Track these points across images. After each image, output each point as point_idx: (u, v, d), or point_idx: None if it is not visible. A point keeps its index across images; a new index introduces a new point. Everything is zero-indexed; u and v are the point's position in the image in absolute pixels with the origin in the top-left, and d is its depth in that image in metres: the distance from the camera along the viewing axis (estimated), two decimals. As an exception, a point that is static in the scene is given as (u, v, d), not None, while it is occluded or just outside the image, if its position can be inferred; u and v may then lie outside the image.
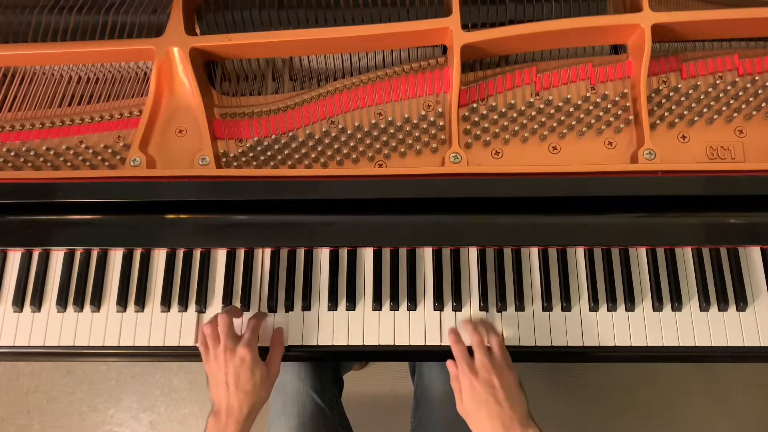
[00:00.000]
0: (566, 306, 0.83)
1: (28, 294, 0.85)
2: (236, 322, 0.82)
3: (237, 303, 0.85)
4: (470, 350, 0.78)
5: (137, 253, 0.87)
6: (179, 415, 1.59)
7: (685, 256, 0.85)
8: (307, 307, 0.84)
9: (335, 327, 0.83)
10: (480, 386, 0.72)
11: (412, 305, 0.83)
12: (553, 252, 0.85)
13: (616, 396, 1.57)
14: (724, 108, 0.87)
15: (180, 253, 0.87)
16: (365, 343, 0.83)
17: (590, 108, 0.87)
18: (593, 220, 0.84)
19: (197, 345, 0.82)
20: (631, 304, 0.82)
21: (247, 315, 0.84)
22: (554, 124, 0.87)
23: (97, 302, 0.85)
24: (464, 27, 0.85)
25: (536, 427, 0.72)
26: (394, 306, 0.84)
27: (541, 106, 0.87)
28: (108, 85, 0.93)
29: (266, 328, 0.83)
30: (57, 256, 0.87)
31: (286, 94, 0.91)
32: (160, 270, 0.86)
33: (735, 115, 0.86)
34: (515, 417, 0.70)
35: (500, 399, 0.71)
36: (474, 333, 0.78)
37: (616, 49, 0.91)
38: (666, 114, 0.87)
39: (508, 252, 0.86)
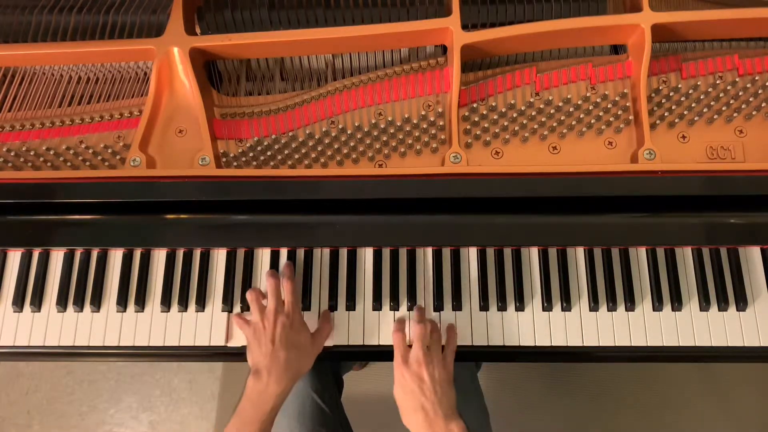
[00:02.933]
0: (566, 306, 0.83)
1: (28, 294, 0.85)
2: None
3: (237, 303, 0.85)
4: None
5: (137, 253, 0.87)
6: (179, 415, 1.59)
7: (685, 256, 0.85)
8: (307, 307, 0.84)
9: (335, 327, 0.83)
10: (409, 377, 0.74)
11: (412, 305, 0.83)
12: (553, 252, 0.85)
13: (616, 396, 1.57)
14: (724, 108, 0.87)
15: (180, 253, 0.87)
16: (365, 343, 0.83)
17: (590, 108, 0.87)
18: (593, 220, 0.84)
19: (199, 345, 0.82)
20: (631, 304, 0.82)
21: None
22: (554, 124, 0.87)
23: (97, 302, 0.85)
24: (464, 27, 0.85)
25: (460, 421, 0.73)
26: (394, 306, 0.84)
27: (541, 106, 0.87)
28: (108, 85, 0.93)
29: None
30: (57, 256, 0.87)
31: (286, 94, 0.91)
32: (160, 270, 0.86)
33: (735, 115, 0.86)
34: (440, 410, 0.72)
35: (426, 392, 0.73)
36: (417, 324, 0.77)
37: (616, 49, 0.91)
38: (666, 114, 0.87)
39: (508, 252, 0.86)
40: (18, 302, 0.85)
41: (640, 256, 0.85)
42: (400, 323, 0.81)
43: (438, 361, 0.76)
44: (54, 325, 0.84)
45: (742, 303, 0.82)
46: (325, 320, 0.82)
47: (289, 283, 0.80)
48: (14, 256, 0.87)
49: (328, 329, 0.82)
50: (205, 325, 0.84)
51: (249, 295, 0.80)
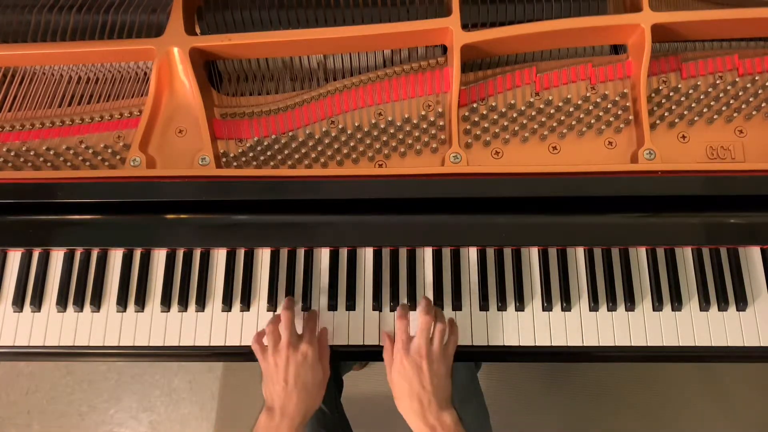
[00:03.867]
0: (566, 306, 0.83)
1: (28, 294, 0.85)
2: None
3: (237, 303, 0.85)
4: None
5: (137, 253, 0.87)
6: (179, 415, 1.59)
7: (685, 256, 0.85)
8: (307, 307, 0.84)
9: (335, 327, 0.83)
10: (408, 365, 0.74)
11: (412, 305, 0.83)
12: (553, 252, 0.85)
13: (616, 396, 1.57)
14: (724, 108, 0.87)
15: (180, 253, 0.87)
16: (365, 343, 0.83)
17: (590, 108, 0.87)
18: (593, 220, 0.84)
19: (199, 345, 0.82)
20: (631, 304, 0.82)
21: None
22: (554, 124, 0.87)
23: (97, 302, 0.84)
24: (464, 27, 0.85)
25: (453, 411, 0.73)
26: (394, 306, 0.84)
27: (541, 106, 0.87)
28: (108, 85, 0.93)
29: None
30: (57, 256, 0.87)
31: (286, 94, 0.91)
32: (160, 270, 0.86)
33: (735, 115, 0.86)
34: (434, 401, 0.72)
35: (424, 382, 0.72)
36: (424, 314, 0.76)
37: (616, 49, 0.91)
38: (666, 114, 0.87)
39: (508, 252, 0.86)
40: (18, 302, 0.85)
41: (640, 256, 0.85)
42: (404, 308, 0.80)
43: (439, 354, 0.75)
44: (54, 325, 0.84)
45: (742, 303, 0.82)
46: (324, 345, 0.81)
47: (309, 315, 0.80)
48: (14, 256, 0.87)
49: (327, 354, 0.81)
50: (205, 325, 0.84)
51: (268, 328, 0.77)
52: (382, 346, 0.82)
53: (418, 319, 0.77)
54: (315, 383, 0.75)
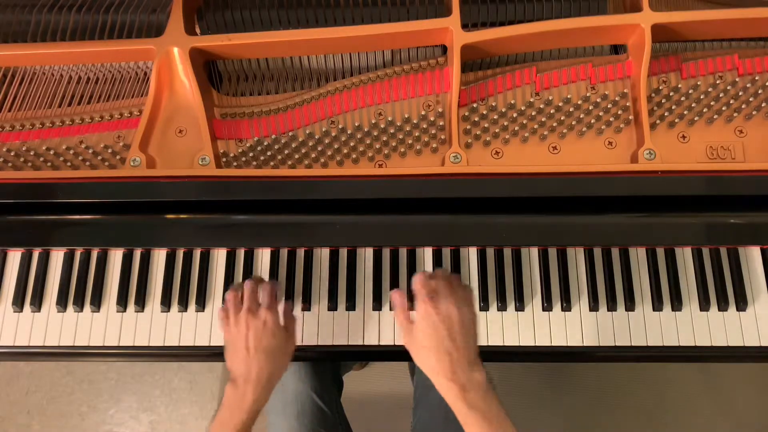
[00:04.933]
0: (566, 306, 0.83)
1: (28, 294, 0.85)
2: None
3: (237, 303, 0.85)
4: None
5: (137, 253, 0.87)
6: (179, 415, 1.59)
7: (685, 256, 0.85)
8: (307, 307, 0.84)
9: (335, 327, 0.83)
10: (437, 317, 0.67)
11: (412, 305, 0.83)
12: (553, 252, 0.85)
13: (616, 396, 1.57)
14: (724, 108, 0.87)
15: (180, 253, 0.87)
16: (365, 343, 0.83)
17: (590, 108, 0.87)
18: (593, 220, 0.84)
19: (200, 345, 0.82)
20: (631, 304, 0.82)
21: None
22: (554, 124, 0.87)
23: (97, 302, 0.84)
24: (464, 27, 0.85)
25: (482, 369, 0.68)
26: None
27: (541, 106, 0.87)
28: (108, 85, 0.93)
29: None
30: (57, 256, 0.87)
31: (286, 94, 0.91)
32: (160, 270, 0.86)
33: (735, 115, 0.86)
34: (463, 356, 0.67)
35: (454, 335, 0.67)
36: (438, 270, 0.74)
37: (616, 49, 0.91)
38: (666, 114, 0.87)
39: (508, 252, 0.86)
40: (18, 302, 0.85)
41: (640, 256, 0.85)
42: (422, 274, 0.74)
43: (466, 300, 0.70)
44: (54, 325, 0.84)
45: (742, 303, 0.82)
46: (289, 315, 0.79)
47: (268, 284, 0.78)
48: (14, 256, 0.87)
49: (294, 322, 0.80)
50: (206, 325, 0.84)
51: (227, 296, 0.77)
52: (382, 346, 0.82)
53: (434, 272, 0.74)
54: (278, 348, 0.74)
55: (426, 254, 0.86)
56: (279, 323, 0.75)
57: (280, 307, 0.78)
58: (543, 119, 0.87)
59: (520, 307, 0.83)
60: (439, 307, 0.68)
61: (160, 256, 0.87)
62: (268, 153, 0.87)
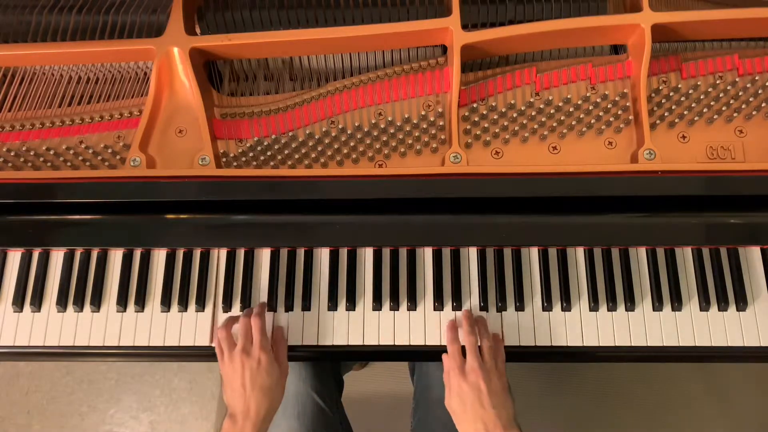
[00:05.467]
0: (566, 306, 0.83)
1: (28, 294, 0.85)
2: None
3: (237, 303, 0.85)
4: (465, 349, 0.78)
5: (137, 253, 0.87)
6: (179, 415, 1.59)
7: (685, 256, 0.85)
8: (307, 307, 0.84)
9: (335, 327, 0.83)
10: (468, 388, 0.74)
11: (412, 305, 0.83)
12: (553, 252, 0.85)
13: (616, 396, 1.57)
14: (724, 108, 0.87)
15: (180, 253, 0.87)
16: (365, 343, 0.83)
17: (590, 108, 0.87)
18: (593, 220, 0.84)
19: (200, 345, 0.82)
20: (631, 304, 0.82)
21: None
22: (554, 124, 0.87)
23: (97, 302, 0.84)
24: (464, 27, 0.85)
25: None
26: (394, 306, 0.84)
27: (541, 106, 0.87)
28: (108, 85, 0.93)
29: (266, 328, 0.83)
30: (57, 256, 0.87)
31: (286, 94, 0.91)
32: (160, 270, 0.86)
33: (735, 115, 0.86)
34: (499, 422, 0.72)
35: (485, 403, 0.72)
36: (468, 335, 0.78)
37: (616, 49, 0.91)
38: (666, 114, 0.87)
39: (508, 252, 0.86)
40: (18, 302, 0.85)
41: (640, 256, 0.85)
42: (453, 331, 0.80)
43: (494, 369, 0.75)
44: (54, 325, 0.84)
45: (742, 303, 0.82)
46: (280, 341, 0.82)
47: (257, 320, 0.79)
48: (14, 256, 0.87)
49: (284, 348, 0.82)
50: (206, 325, 0.84)
51: (219, 334, 0.80)
52: (382, 346, 0.82)
53: (464, 340, 0.78)
54: (273, 384, 0.76)
55: (426, 254, 0.86)
56: (272, 361, 0.77)
57: (269, 333, 0.81)
58: (543, 119, 0.87)
59: (520, 307, 0.83)
60: (468, 379, 0.74)
61: (160, 256, 0.87)
62: (268, 153, 0.87)
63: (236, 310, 0.84)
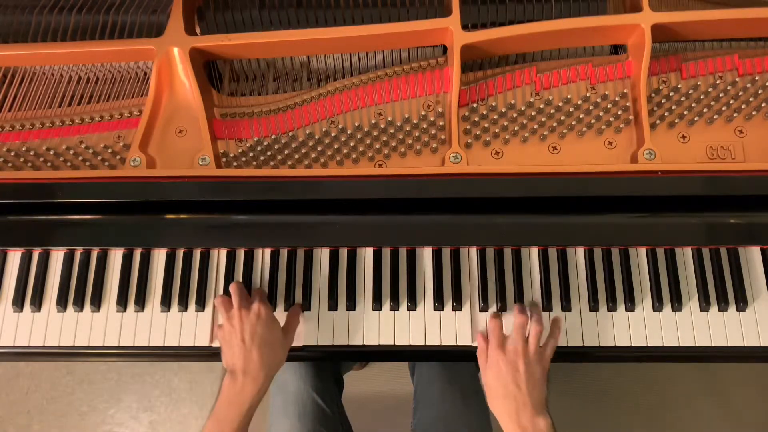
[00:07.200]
0: (566, 306, 0.83)
1: (28, 294, 0.85)
2: None
3: (237, 303, 0.85)
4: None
5: (137, 253, 0.87)
6: (179, 415, 1.59)
7: (685, 256, 0.85)
8: (307, 307, 0.84)
9: (335, 327, 0.83)
10: (504, 365, 0.73)
11: (412, 305, 0.83)
12: (553, 252, 0.85)
13: (616, 396, 1.57)
14: (724, 108, 0.87)
15: (180, 253, 0.87)
16: (365, 343, 0.83)
17: (590, 108, 0.87)
18: (593, 220, 0.84)
19: (200, 345, 0.82)
20: (631, 304, 0.82)
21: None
22: (554, 124, 0.87)
23: (97, 302, 0.84)
24: (464, 27, 0.85)
25: (548, 418, 0.72)
26: (394, 306, 0.84)
27: (541, 106, 0.87)
28: (108, 85, 0.93)
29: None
30: (57, 256, 0.87)
31: (286, 94, 0.91)
32: (160, 270, 0.86)
33: (735, 115, 0.86)
34: (529, 402, 0.71)
35: (520, 383, 0.72)
36: (519, 314, 0.77)
37: (616, 49, 0.91)
38: (666, 114, 0.87)
39: (508, 252, 0.86)
40: (18, 302, 0.85)
41: (640, 256, 0.85)
42: (496, 314, 0.80)
43: (535, 355, 0.75)
44: (54, 325, 0.84)
45: (742, 303, 0.82)
46: (294, 314, 0.82)
47: (260, 291, 0.81)
48: (14, 256, 0.87)
49: (296, 322, 0.82)
50: (206, 325, 0.84)
51: (216, 301, 0.80)
52: (382, 346, 0.82)
53: (514, 318, 0.78)
54: (274, 339, 0.75)
55: (426, 254, 0.86)
56: (272, 315, 0.77)
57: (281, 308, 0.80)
58: (543, 119, 0.87)
59: (520, 307, 0.83)
60: (507, 357, 0.74)
61: (160, 256, 0.87)
62: (268, 153, 0.87)
63: (236, 310, 0.84)
